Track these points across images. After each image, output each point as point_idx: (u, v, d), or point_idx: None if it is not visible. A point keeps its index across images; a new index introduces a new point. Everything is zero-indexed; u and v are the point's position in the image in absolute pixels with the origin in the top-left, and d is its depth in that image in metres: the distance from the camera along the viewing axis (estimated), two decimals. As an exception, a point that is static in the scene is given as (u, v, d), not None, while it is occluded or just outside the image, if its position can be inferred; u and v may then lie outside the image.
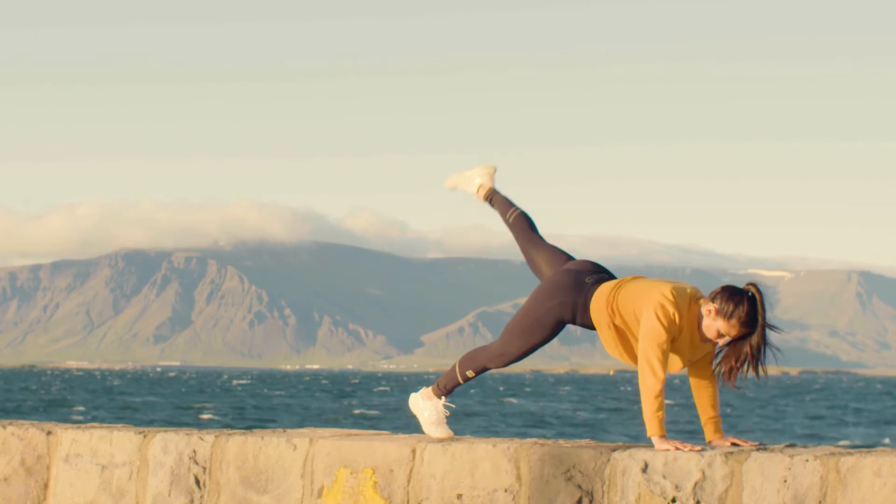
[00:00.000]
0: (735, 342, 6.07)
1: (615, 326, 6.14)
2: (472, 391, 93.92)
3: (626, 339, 6.18)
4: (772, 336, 6.12)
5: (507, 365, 6.41)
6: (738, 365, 6.05)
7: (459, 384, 6.54)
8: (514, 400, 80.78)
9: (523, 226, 6.69)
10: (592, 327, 6.29)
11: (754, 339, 6.02)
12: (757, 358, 6.04)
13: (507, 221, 6.77)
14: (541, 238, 6.66)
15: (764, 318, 6.00)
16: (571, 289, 6.26)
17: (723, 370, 6.10)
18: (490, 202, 6.88)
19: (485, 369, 6.46)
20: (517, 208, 6.77)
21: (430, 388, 6.65)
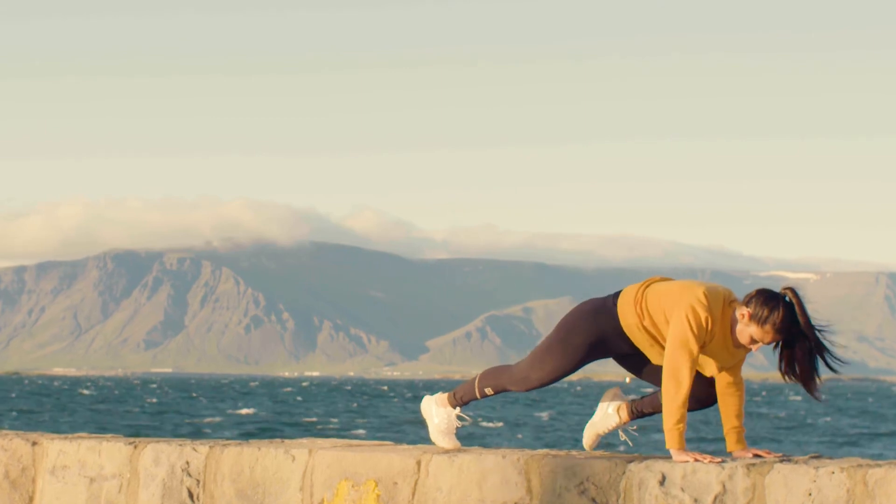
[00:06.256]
0: (784, 351, 6.00)
1: (644, 329, 6.11)
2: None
3: (658, 345, 6.14)
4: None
5: (528, 390, 6.39)
6: (807, 373, 5.97)
7: (476, 399, 6.53)
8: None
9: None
10: (627, 348, 6.25)
11: (804, 345, 5.95)
12: (813, 365, 5.97)
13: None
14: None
15: (807, 321, 5.93)
16: (593, 308, 6.25)
17: (798, 380, 6.01)
18: (641, 414, 6.59)
19: (505, 390, 6.44)
20: (647, 394, 6.57)
21: (445, 394, 6.60)
